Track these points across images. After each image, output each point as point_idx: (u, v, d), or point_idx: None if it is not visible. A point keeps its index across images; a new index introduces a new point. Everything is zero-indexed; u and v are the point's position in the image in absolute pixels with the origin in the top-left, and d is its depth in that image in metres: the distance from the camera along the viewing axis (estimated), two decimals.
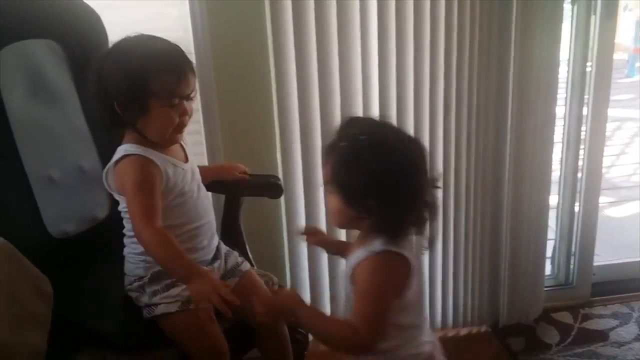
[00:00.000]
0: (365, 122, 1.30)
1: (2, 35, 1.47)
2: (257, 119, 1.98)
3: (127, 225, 1.43)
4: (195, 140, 1.86)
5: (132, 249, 1.43)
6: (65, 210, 1.54)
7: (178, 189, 1.40)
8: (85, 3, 1.63)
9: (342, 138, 1.20)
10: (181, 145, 1.47)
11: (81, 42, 1.58)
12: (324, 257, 2.11)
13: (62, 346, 1.31)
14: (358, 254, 1.20)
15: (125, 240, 1.45)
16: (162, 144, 1.39)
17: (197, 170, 1.50)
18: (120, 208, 1.43)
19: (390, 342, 1.21)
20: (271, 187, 1.71)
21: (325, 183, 1.23)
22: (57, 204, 1.51)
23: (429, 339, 1.30)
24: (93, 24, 1.63)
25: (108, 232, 1.49)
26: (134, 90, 1.30)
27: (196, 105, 1.92)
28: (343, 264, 1.95)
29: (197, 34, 1.86)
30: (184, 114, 1.36)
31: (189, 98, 1.37)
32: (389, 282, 1.18)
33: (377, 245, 1.18)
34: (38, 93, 1.53)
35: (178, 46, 1.37)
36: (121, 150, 1.37)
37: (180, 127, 1.38)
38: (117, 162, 1.37)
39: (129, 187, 1.33)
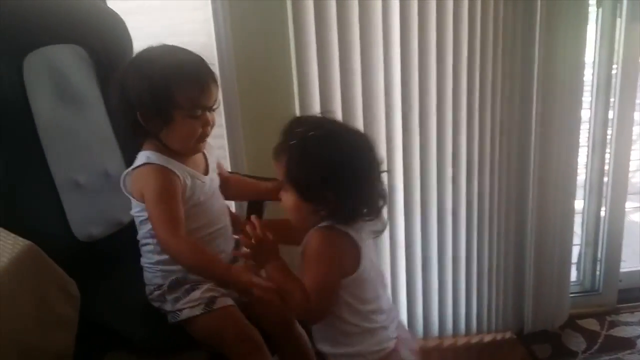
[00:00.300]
0: (311, 120, 1.35)
1: (28, 40, 1.48)
2: (280, 123, 1.96)
3: (141, 232, 1.43)
4: (218, 145, 1.87)
5: (147, 259, 1.44)
6: (90, 213, 1.54)
7: (194, 200, 1.40)
8: (110, 8, 1.65)
9: (291, 137, 1.24)
10: (204, 155, 1.48)
11: (107, 47, 1.59)
12: None
13: (88, 348, 1.31)
14: (308, 235, 1.26)
15: (141, 249, 1.46)
16: (184, 153, 1.40)
17: (217, 179, 1.50)
18: (133, 212, 1.43)
19: (353, 339, 1.28)
20: None
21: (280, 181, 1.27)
22: (83, 207, 1.52)
23: (393, 336, 1.33)
24: (118, 29, 1.64)
25: (133, 235, 1.49)
26: (158, 101, 1.30)
27: (219, 110, 1.93)
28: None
29: (219, 38, 1.88)
30: (207, 124, 1.37)
31: (211, 109, 1.37)
32: (334, 254, 1.23)
33: (324, 223, 1.24)
34: (64, 98, 1.54)
35: (201, 57, 1.37)
36: (143, 157, 1.38)
37: (202, 137, 1.38)
38: (136, 167, 1.38)
39: (151, 197, 1.33)
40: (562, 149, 2.10)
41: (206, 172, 1.46)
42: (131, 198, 1.41)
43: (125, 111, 1.34)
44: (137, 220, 1.43)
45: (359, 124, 1.95)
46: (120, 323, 1.40)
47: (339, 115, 1.92)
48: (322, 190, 1.20)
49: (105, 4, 1.68)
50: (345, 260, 1.25)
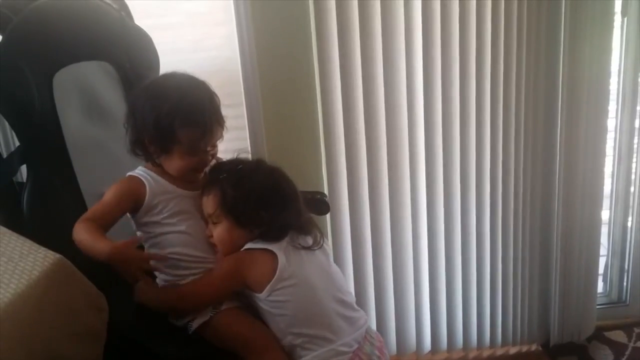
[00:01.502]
0: (230, 161, 1.45)
1: (57, 57, 1.52)
2: (303, 136, 2.00)
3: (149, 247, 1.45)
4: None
5: (162, 275, 1.45)
6: (117, 227, 1.57)
7: (166, 210, 1.40)
8: (137, 25, 1.68)
9: (218, 174, 1.38)
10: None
11: (134, 63, 1.62)
12: (369, 273, 2.10)
13: (115, 359, 1.34)
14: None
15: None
16: (182, 180, 1.42)
17: None
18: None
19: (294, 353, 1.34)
20: (319, 204, 1.72)
21: (210, 215, 1.37)
22: None
23: (347, 349, 1.34)
24: (145, 45, 1.67)
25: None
26: (160, 134, 1.34)
27: (243, 122, 1.96)
28: (387, 278, 1.96)
29: (243, 52, 1.90)
30: (204, 161, 1.40)
31: (210, 151, 1.40)
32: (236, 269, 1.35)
33: (249, 245, 1.37)
34: (92, 113, 1.57)
35: (213, 97, 1.40)
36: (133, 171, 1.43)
37: (200, 169, 1.41)
38: None
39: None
40: (588, 158, 2.08)
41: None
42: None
43: (132, 130, 1.39)
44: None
45: (382, 134, 1.96)
46: (147, 337, 1.42)
47: (362, 125, 1.94)
48: (257, 212, 1.34)
49: (133, 20, 1.70)
50: (251, 273, 1.34)
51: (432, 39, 1.91)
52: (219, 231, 1.38)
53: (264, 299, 1.34)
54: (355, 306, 1.44)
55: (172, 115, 1.32)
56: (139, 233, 1.44)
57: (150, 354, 1.39)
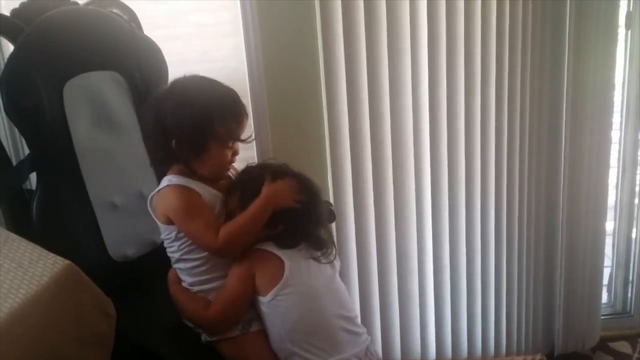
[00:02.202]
0: (260, 164, 1.52)
1: (68, 67, 1.55)
2: (309, 145, 2.01)
3: (171, 255, 1.46)
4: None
5: (185, 277, 1.46)
6: (126, 234, 1.59)
7: (221, 220, 1.42)
8: (146, 36, 1.70)
9: (243, 175, 1.44)
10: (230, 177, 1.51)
11: (143, 73, 1.64)
12: (374, 282, 2.11)
13: None
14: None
15: (179, 267, 1.48)
16: (212, 179, 1.44)
17: None
18: (162, 237, 1.46)
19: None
20: None
21: (232, 210, 1.39)
22: (119, 228, 1.57)
23: None
24: (154, 55, 1.69)
25: (166, 255, 1.52)
26: (197, 132, 1.35)
27: (249, 132, 1.97)
28: (392, 288, 1.97)
29: (251, 64, 1.91)
30: (235, 153, 1.43)
31: (244, 141, 1.43)
32: (249, 271, 1.37)
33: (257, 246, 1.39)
34: (102, 123, 1.59)
35: (235, 91, 1.43)
36: (165, 180, 1.42)
37: (230, 165, 1.45)
38: (159, 190, 1.42)
39: (179, 216, 1.37)
40: (592, 169, 2.09)
41: None
42: (158, 222, 1.44)
43: (158, 137, 1.39)
44: (165, 244, 1.47)
45: (387, 146, 1.98)
46: (153, 342, 1.44)
47: (367, 136, 1.96)
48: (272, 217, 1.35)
49: (142, 31, 1.73)
50: (259, 273, 1.37)
51: (438, 42, 1.93)
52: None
53: (267, 302, 1.35)
54: (358, 323, 1.45)
55: (209, 110, 1.35)
56: (171, 242, 1.44)
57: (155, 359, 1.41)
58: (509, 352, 2.27)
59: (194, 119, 1.34)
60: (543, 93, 2.03)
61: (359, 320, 1.46)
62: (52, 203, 1.52)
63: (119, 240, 1.56)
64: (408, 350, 2.21)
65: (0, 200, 1.54)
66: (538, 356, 2.29)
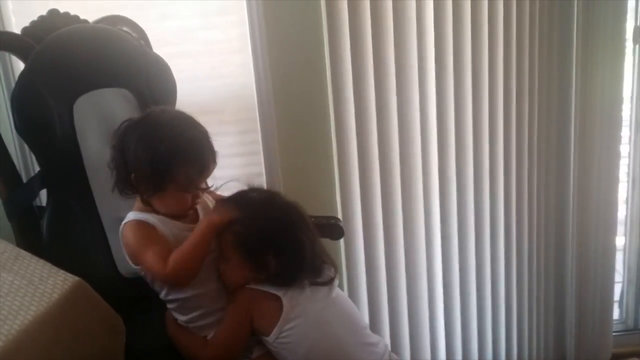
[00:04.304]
0: (247, 196, 1.38)
1: (78, 84, 1.56)
2: (317, 161, 2.02)
3: (161, 295, 1.41)
4: (257, 182, 1.90)
5: (178, 315, 1.42)
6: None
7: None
8: (156, 53, 1.71)
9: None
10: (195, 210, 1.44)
11: (152, 90, 1.64)
12: (383, 297, 2.10)
13: None
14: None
15: (169, 307, 1.44)
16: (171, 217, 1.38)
17: None
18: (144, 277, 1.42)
19: None
20: (332, 229, 1.72)
21: (220, 249, 1.34)
22: None
23: None
24: (163, 72, 1.70)
25: None
26: (155, 173, 1.30)
27: (258, 148, 1.99)
28: (402, 303, 1.96)
29: (259, 79, 1.93)
30: (196, 197, 1.37)
31: (204, 190, 1.38)
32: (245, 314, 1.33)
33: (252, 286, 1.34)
34: (110, 139, 1.60)
35: (207, 133, 1.36)
36: (126, 218, 1.38)
37: (190, 207, 1.38)
38: (121, 230, 1.37)
39: (133, 252, 1.33)
40: (601, 184, 2.09)
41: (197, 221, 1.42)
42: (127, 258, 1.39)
43: (120, 167, 1.34)
44: (148, 283, 1.42)
45: (396, 160, 1.98)
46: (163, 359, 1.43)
47: (375, 152, 1.97)
48: (264, 256, 1.30)
49: (151, 48, 1.74)
50: (256, 315, 1.33)
51: (445, 48, 1.94)
52: (226, 266, 1.35)
53: (272, 341, 1.32)
54: (371, 333, 1.41)
55: (170, 155, 1.28)
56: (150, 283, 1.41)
57: None
58: None
59: (154, 160, 1.28)
60: (551, 108, 2.03)
61: (368, 329, 1.42)
62: (62, 219, 1.53)
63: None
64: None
65: (11, 217, 1.54)
66: None
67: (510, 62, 1.95)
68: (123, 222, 1.37)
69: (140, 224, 1.34)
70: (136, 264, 1.35)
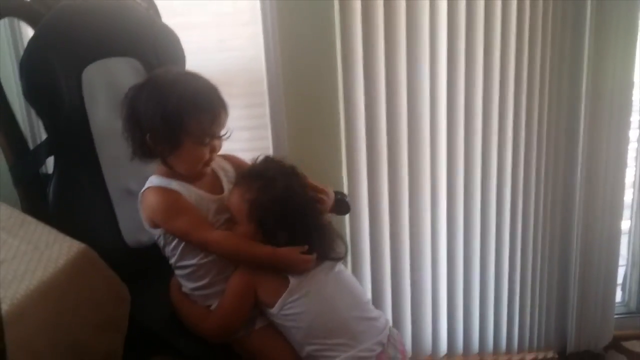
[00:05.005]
0: (267, 166, 1.42)
1: (87, 53, 1.55)
2: (324, 136, 2.01)
3: (170, 262, 1.43)
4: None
5: (184, 282, 1.44)
6: (140, 221, 1.59)
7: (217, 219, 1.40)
8: (165, 24, 1.70)
9: (254, 178, 1.36)
10: (216, 176, 1.48)
11: (161, 60, 1.63)
12: (387, 275, 2.11)
13: (135, 350, 1.36)
14: None
15: (177, 273, 1.46)
16: (190, 177, 1.40)
17: None
18: (156, 241, 1.44)
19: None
20: (339, 204, 1.71)
21: (234, 217, 1.36)
22: (134, 214, 1.56)
23: (368, 354, 1.33)
24: (172, 43, 1.69)
25: None
26: (169, 128, 1.32)
27: (265, 121, 1.98)
28: (405, 279, 1.95)
29: (268, 53, 1.91)
30: (213, 151, 1.39)
31: (220, 138, 1.39)
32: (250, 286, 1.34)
33: None
34: (119, 108, 1.59)
35: (214, 86, 1.38)
36: (148, 182, 1.40)
37: (208, 162, 1.40)
38: (142, 193, 1.40)
39: (163, 219, 1.35)
40: (609, 168, 2.07)
41: (221, 191, 1.45)
42: (146, 226, 1.42)
43: (134, 132, 1.36)
44: (161, 248, 1.44)
45: (403, 136, 1.97)
46: (165, 330, 1.44)
47: (383, 127, 1.96)
48: (275, 230, 1.32)
49: (160, 19, 1.73)
50: (261, 288, 1.34)
51: (457, 45, 1.92)
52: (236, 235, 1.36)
53: (276, 313, 1.33)
54: (372, 308, 1.43)
55: (180, 106, 1.30)
56: (162, 247, 1.43)
57: (169, 347, 1.41)
58: (520, 348, 2.26)
59: (165, 113, 1.31)
60: (562, 91, 2.01)
61: (371, 305, 1.43)
62: (69, 188, 1.53)
63: (134, 227, 1.55)
64: (419, 344, 2.20)
65: (17, 184, 1.55)
66: (550, 354, 2.28)
67: (522, 46, 1.93)
68: (145, 186, 1.39)
69: (165, 191, 1.36)
70: (155, 227, 1.38)
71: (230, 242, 1.34)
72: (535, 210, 2.09)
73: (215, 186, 1.45)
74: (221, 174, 1.48)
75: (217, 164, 1.48)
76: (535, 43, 1.93)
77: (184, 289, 1.44)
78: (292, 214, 1.33)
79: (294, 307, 1.32)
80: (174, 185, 1.37)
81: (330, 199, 1.47)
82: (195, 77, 1.39)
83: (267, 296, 1.34)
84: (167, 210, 1.35)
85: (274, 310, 1.33)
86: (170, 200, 1.35)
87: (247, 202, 1.33)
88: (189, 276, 1.41)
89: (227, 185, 1.46)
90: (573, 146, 2.07)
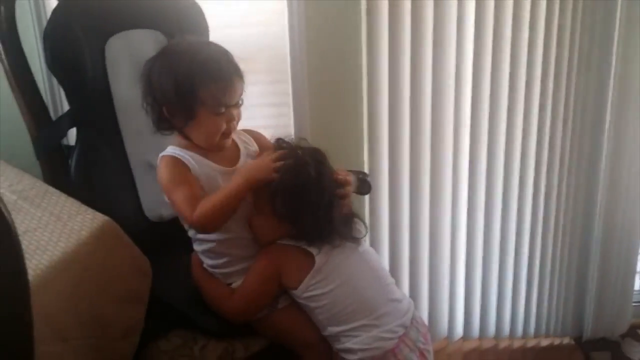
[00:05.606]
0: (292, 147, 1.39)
1: (110, 25, 1.54)
2: (346, 114, 1.98)
3: (190, 232, 1.42)
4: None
5: (204, 259, 1.43)
6: (161, 195, 1.59)
7: (213, 189, 1.35)
8: None
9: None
10: (237, 147, 1.45)
11: (184, 33, 1.60)
12: (404, 256, 2.10)
13: (155, 323, 1.36)
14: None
15: (196, 249, 1.45)
16: (209, 149, 1.38)
17: None
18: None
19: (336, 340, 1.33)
20: (361, 184, 1.70)
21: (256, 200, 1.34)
22: (155, 188, 1.55)
23: (391, 335, 1.32)
24: (196, 16, 1.67)
25: None
26: (182, 97, 1.30)
27: (287, 99, 1.96)
28: (423, 259, 1.93)
29: (292, 29, 1.88)
30: (231, 120, 1.35)
31: (236, 106, 1.36)
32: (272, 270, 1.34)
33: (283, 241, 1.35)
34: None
35: (228, 52, 1.35)
36: (167, 150, 1.38)
37: (227, 133, 1.37)
38: (159, 159, 1.38)
39: (164, 186, 1.34)
40: (634, 156, 2.04)
41: (235, 164, 1.42)
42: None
43: (152, 104, 1.35)
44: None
45: (427, 118, 1.95)
46: (184, 305, 1.44)
47: (406, 107, 1.93)
48: (300, 211, 1.30)
49: None
50: (285, 270, 1.33)
51: (484, 34, 1.89)
52: (259, 220, 1.35)
53: (300, 295, 1.33)
54: (397, 289, 1.42)
55: (191, 75, 1.28)
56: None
57: (189, 322, 1.41)
58: (537, 334, 2.25)
59: (178, 84, 1.29)
60: (590, 80, 1.97)
61: (395, 287, 1.42)
62: (91, 160, 1.53)
63: (155, 201, 1.55)
64: (435, 327, 2.20)
65: (39, 155, 1.55)
66: (566, 340, 2.27)
67: (551, 38, 1.90)
68: (161, 154, 1.37)
69: (175, 161, 1.34)
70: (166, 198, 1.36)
71: (211, 203, 1.27)
72: (558, 195, 2.07)
73: (232, 159, 1.43)
74: (242, 147, 1.46)
75: (239, 137, 1.46)
76: (564, 33, 1.90)
77: (205, 266, 1.44)
78: (314, 194, 1.30)
79: (317, 288, 1.32)
80: (187, 156, 1.35)
81: (352, 189, 1.44)
82: (206, 45, 1.37)
83: (291, 278, 1.33)
84: (168, 179, 1.33)
85: (297, 292, 1.33)
86: (174, 170, 1.33)
87: (268, 189, 1.30)
88: (208, 253, 1.41)
89: (243, 158, 1.44)
90: (598, 134, 2.04)
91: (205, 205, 1.26)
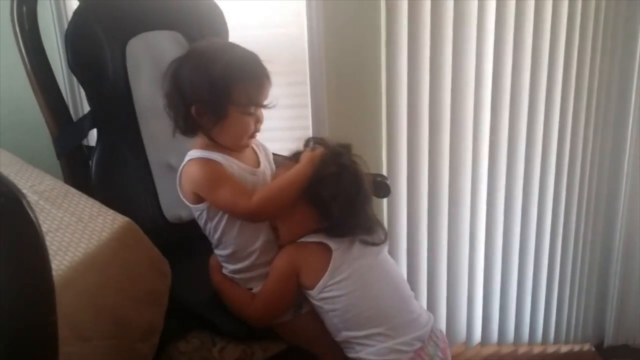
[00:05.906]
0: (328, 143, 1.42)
1: (131, 26, 1.55)
2: (365, 117, 1.98)
3: (211, 241, 1.42)
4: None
5: (225, 264, 1.42)
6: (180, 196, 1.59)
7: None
8: None
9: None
10: (254, 151, 1.45)
11: (204, 34, 1.62)
12: (423, 261, 2.08)
13: (175, 325, 1.36)
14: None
15: (217, 254, 1.44)
16: (234, 149, 1.37)
17: (269, 172, 1.46)
18: (196, 219, 1.41)
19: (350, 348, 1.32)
20: (380, 187, 1.69)
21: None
22: (174, 189, 1.55)
23: (407, 348, 1.29)
24: (216, 17, 1.68)
25: None
26: (215, 97, 1.29)
27: (306, 100, 1.95)
28: (441, 265, 1.91)
29: (311, 31, 1.88)
30: (258, 121, 1.37)
31: (265, 107, 1.36)
32: (292, 267, 1.33)
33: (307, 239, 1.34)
34: (161, 82, 1.59)
35: (256, 55, 1.36)
36: (187, 156, 1.36)
37: (253, 134, 1.38)
38: (182, 168, 1.37)
39: (203, 188, 1.32)
40: None
41: (257, 166, 1.43)
42: (187, 203, 1.38)
43: (178, 105, 1.34)
44: (200, 224, 1.41)
45: (446, 121, 1.93)
46: (204, 306, 1.43)
47: (425, 109, 1.92)
48: (331, 202, 1.30)
49: None
50: (303, 269, 1.32)
51: (505, 31, 1.88)
52: (286, 214, 1.33)
53: (315, 296, 1.31)
54: (416, 302, 1.39)
55: (226, 74, 1.28)
56: (204, 224, 1.41)
57: (208, 324, 1.41)
58: (556, 340, 2.23)
59: (212, 82, 1.28)
60: (613, 78, 1.96)
61: (414, 299, 1.39)
62: (111, 161, 1.53)
63: (174, 202, 1.53)
64: (453, 332, 2.18)
65: (60, 155, 1.56)
66: (586, 346, 2.24)
67: (573, 35, 1.88)
68: (185, 159, 1.36)
69: (209, 161, 1.33)
70: (198, 202, 1.35)
71: (271, 189, 1.31)
72: (579, 200, 2.05)
73: (253, 161, 1.43)
74: (258, 150, 1.46)
75: (254, 141, 1.46)
76: (587, 31, 1.88)
77: (225, 271, 1.43)
78: (347, 186, 1.32)
79: (333, 289, 1.30)
80: (215, 156, 1.34)
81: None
82: (237, 46, 1.37)
83: (308, 278, 1.31)
84: (209, 179, 1.31)
85: (313, 292, 1.31)
86: (213, 170, 1.32)
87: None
88: (230, 257, 1.39)
89: (263, 160, 1.45)
90: (621, 138, 2.02)
91: (264, 194, 1.29)
